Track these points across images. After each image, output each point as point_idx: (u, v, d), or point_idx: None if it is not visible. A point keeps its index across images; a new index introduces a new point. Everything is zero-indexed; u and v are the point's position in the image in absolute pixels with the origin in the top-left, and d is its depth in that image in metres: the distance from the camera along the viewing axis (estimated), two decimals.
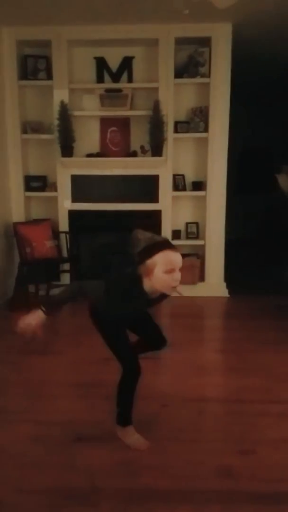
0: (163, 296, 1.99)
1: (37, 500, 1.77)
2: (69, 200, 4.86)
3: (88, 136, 4.88)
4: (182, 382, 2.82)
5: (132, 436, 2.11)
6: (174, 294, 1.88)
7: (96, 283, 1.94)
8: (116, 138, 4.87)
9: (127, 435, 2.11)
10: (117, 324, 2.07)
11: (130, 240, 1.90)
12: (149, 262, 1.81)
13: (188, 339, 3.61)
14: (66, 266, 4.88)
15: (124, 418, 2.11)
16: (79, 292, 1.94)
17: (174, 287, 1.84)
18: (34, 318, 1.90)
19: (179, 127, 4.77)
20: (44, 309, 1.91)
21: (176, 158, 4.82)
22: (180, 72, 4.68)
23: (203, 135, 4.73)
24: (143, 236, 1.88)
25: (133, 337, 2.22)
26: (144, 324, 2.26)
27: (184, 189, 4.92)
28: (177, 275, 1.82)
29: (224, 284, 4.96)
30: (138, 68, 4.75)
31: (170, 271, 1.80)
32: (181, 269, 1.84)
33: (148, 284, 1.87)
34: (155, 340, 2.29)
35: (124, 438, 2.12)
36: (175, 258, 1.82)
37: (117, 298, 1.90)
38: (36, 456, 2.04)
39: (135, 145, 4.84)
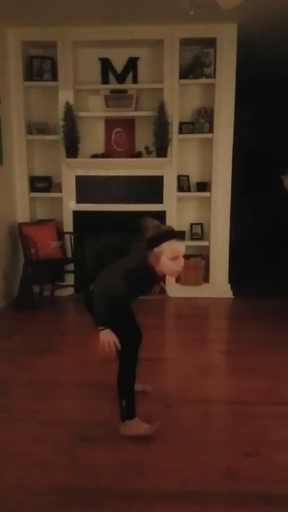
0: (164, 276, 2.27)
1: (42, 501, 1.78)
2: (74, 201, 4.87)
3: (93, 137, 4.89)
4: (187, 383, 2.82)
5: (137, 425, 2.15)
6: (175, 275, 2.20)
7: (115, 283, 2.05)
8: (121, 139, 4.88)
9: (134, 428, 2.15)
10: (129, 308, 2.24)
11: (139, 227, 2.13)
12: (156, 250, 2.06)
13: (192, 340, 3.60)
14: (71, 267, 4.89)
15: (128, 411, 2.15)
16: (106, 297, 2.08)
17: (178, 271, 2.12)
18: (109, 337, 2.11)
19: (184, 128, 4.77)
20: (102, 327, 2.12)
21: (180, 159, 4.82)
22: (185, 73, 4.68)
23: (208, 135, 4.73)
24: (151, 223, 2.11)
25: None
26: None
27: (188, 190, 4.92)
28: (181, 261, 2.08)
29: (229, 285, 4.95)
30: (143, 69, 4.76)
31: (175, 258, 2.06)
32: (185, 268, 2.13)
33: (156, 269, 2.11)
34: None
35: (134, 431, 2.14)
36: (180, 247, 2.08)
37: (136, 284, 2.12)
38: (41, 456, 2.05)
39: (140, 146, 4.84)
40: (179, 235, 2.14)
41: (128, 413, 2.16)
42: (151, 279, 2.20)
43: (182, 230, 4.88)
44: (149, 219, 2.13)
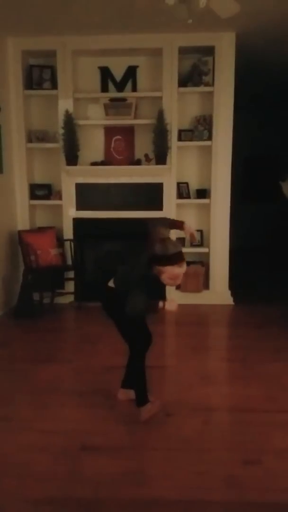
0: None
1: (42, 510, 1.76)
2: (74, 208, 4.88)
3: (93, 145, 4.91)
4: (187, 391, 2.81)
5: (154, 407, 2.42)
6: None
7: (139, 298, 2.23)
8: (120, 147, 4.90)
9: (150, 409, 2.40)
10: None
11: (148, 234, 2.37)
12: (158, 268, 2.20)
13: (192, 347, 3.59)
14: (71, 274, 4.89)
15: (142, 397, 2.41)
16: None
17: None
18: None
19: (183, 135, 4.79)
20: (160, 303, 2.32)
21: (180, 166, 4.83)
22: (184, 81, 4.71)
23: (207, 143, 4.75)
24: (160, 235, 2.32)
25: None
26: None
27: (188, 197, 4.93)
28: (179, 280, 2.26)
29: (229, 292, 4.95)
30: (142, 77, 4.79)
31: (173, 278, 2.22)
32: (185, 275, 2.29)
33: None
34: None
35: (147, 414, 2.38)
36: (181, 272, 2.22)
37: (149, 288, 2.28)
38: (41, 465, 2.04)
39: (139, 154, 4.86)
40: (182, 258, 2.22)
41: (142, 400, 2.41)
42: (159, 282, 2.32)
43: (181, 237, 4.89)
44: (161, 228, 2.38)
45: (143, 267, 2.27)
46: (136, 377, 2.46)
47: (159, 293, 2.59)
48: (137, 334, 2.46)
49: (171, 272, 2.19)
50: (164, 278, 2.22)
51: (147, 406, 2.41)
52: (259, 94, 6.78)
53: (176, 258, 2.19)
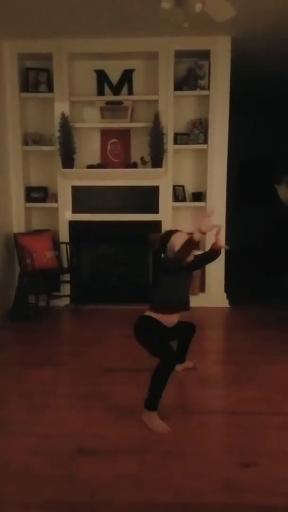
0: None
1: None
2: (70, 211, 4.89)
3: (89, 148, 4.92)
4: (183, 394, 2.81)
5: (155, 421, 2.33)
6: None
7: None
8: (116, 150, 4.91)
9: (151, 419, 2.34)
10: (162, 328, 2.54)
11: (149, 243, 2.79)
12: (168, 244, 2.54)
13: (189, 350, 3.59)
14: (67, 277, 4.89)
15: (152, 403, 2.35)
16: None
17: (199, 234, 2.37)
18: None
19: (178, 138, 4.81)
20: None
21: (176, 169, 4.85)
22: (179, 85, 4.73)
23: (203, 146, 4.77)
24: (155, 236, 2.72)
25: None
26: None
27: (184, 200, 4.94)
28: (193, 241, 2.41)
29: (225, 295, 4.96)
30: (138, 80, 4.81)
31: (185, 238, 2.46)
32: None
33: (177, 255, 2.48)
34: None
35: (148, 422, 2.34)
36: (184, 234, 2.55)
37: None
38: (37, 469, 2.03)
39: (135, 157, 4.87)
40: (179, 230, 2.64)
41: (152, 405, 2.36)
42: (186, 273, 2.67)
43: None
44: (152, 234, 2.73)
45: (163, 263, 2.60)
46: (155, 381, 2.35)
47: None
48: (162, 351, 2.41)
49: (179, 238, 2.50)
50: (178, 243, 2.45)
51: (152, 413, 2.36)
52: (255, 97, 6.81)
53: (174, 230, 2.63)
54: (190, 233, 2.42)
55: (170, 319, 2.59)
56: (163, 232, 2.68)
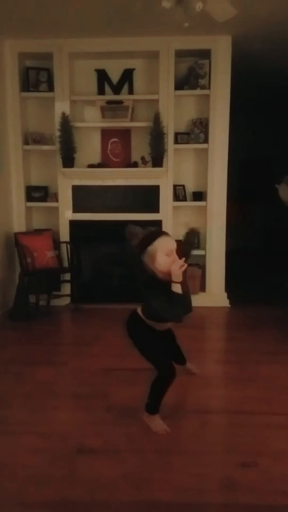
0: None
1: None
2: (70, 210, 4.88)
3: (89, 147, 4.91)
4: (184, 393, 2.80)
5: (156, 422, 2.33)
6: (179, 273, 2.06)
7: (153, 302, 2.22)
8: (117, 149, 4.90)
9: (153, 420, 2.34)
10: (154, 333, 2.35)
11: (125, 235, 2.22)
12: (150, 249, 2.10)
13: (189, 350, 3.57)
14: (67, 276, 4.88)
15: (152, 408, 2.34)
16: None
17: (179, 269, 2.05)
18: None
19: (179, 138, 4.80)
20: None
21: (176, 168, 4.84)
22: (180, 84, 4.72)
23: (203, 146, 4.76)
24: (135, 229, 2.20)
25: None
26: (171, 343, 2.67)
27: (184, 199, 4.94)
28: (175, 256, 2.09)
29: (225, 294, 4.96)
30: (138, 80, 4.80)
31: (169, 253, 2.09)
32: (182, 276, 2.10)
33: (157, 272, 2.13)
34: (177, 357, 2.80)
35: (149, 422, 2.34)
36: (171, 241, 2.14)
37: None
38: (37, 468, 2.03)
39: (135, 156, 4.87)
40: (166, 233, 2.21)
41: (152, 410, 2.34)
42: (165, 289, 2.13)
43: (178, 239, 4.88)
44: (132, 225, 2.22)
45: (139, 266, 2.14)
46: (155, 390, 2.30)
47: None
48: (157, 362, 2.30)
49: (164, 244, 2.08)
50: (161, 259, 2.06)
51: (154, 416, 2.34)
52: (255, 97, 6.80)
53: (161, 231, 2.23)
54: (178, 240, 2.19)
55: (163, 326, 2.42)
56: (146, 231, 2.18)
